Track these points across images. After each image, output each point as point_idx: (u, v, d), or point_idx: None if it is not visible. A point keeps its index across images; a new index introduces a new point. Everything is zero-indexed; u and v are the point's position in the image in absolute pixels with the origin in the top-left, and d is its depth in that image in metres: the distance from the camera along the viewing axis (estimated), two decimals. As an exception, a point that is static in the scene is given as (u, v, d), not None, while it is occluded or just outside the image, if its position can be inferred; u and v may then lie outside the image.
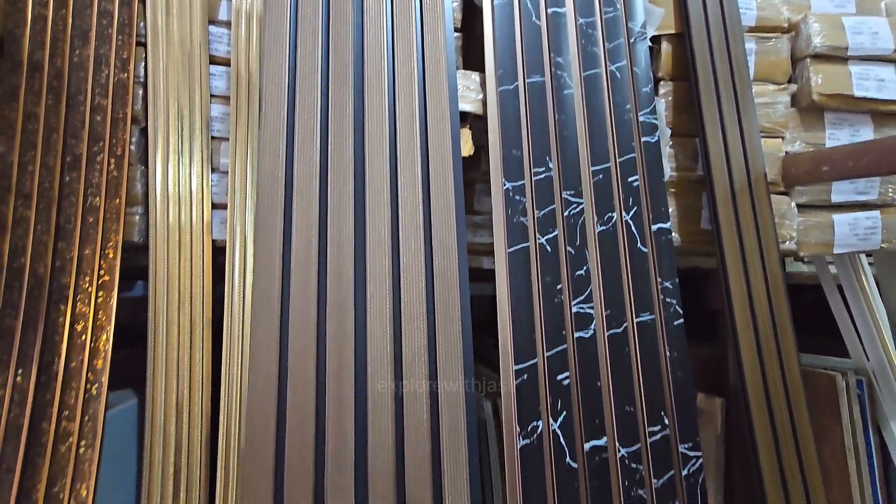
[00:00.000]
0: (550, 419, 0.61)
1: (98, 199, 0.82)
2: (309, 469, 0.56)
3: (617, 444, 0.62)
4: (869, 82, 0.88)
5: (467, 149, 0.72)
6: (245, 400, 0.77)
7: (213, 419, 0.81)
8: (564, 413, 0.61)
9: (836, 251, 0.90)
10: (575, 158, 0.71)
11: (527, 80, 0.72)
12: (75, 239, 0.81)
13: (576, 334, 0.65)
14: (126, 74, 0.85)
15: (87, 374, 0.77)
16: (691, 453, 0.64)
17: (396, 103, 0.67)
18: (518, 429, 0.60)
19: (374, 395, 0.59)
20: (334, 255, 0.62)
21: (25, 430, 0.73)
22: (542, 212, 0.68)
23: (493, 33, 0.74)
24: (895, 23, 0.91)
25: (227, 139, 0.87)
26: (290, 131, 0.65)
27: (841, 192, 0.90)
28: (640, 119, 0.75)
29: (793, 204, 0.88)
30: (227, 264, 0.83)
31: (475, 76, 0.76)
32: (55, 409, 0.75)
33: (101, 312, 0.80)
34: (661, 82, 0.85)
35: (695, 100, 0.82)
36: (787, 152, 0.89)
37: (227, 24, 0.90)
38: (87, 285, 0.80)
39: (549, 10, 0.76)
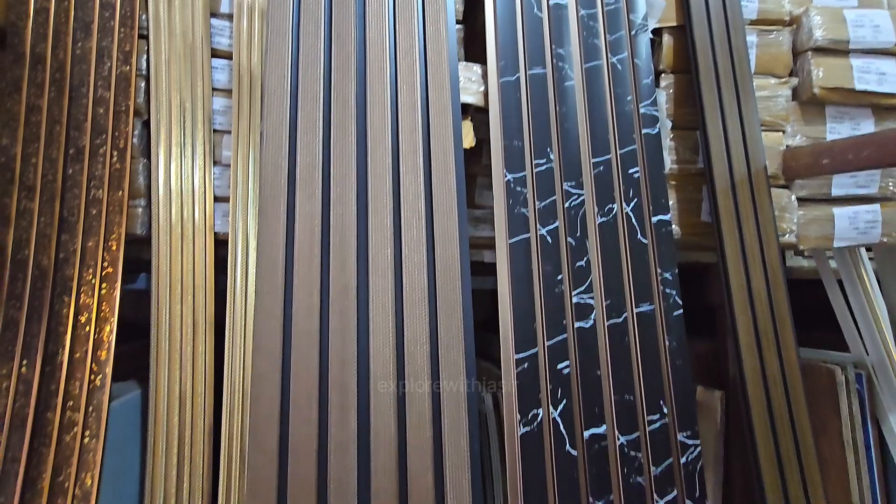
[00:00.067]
0: (550, 407, 0.61)
1: (101, 191, 0.82)
2: (313, 448, 0.56)
3: (616, 432, 0.63)
4: (870, 76, 0.88)
5: (469, 140, 0.73)
6: (248, 390, 0.78)
7: (216, 410, 0.82)
8: (564, 401, 0.62)
9: (835, 245, 0.90)
10: (576, 150, 0.72)
11: (528, 72, 0.72)
12: (78, 231, 0.81)
13: (576, 324, 0.65)
14: (128, 67, 0.85)
15: (91, 365, 0.78)
16: (690, 441, 0.64)
17: (398, 94, 0.68)
18: (518, 416, 0.60)
19: (376, 381, 0.60)
20: (337, 243, 0.62)
21: (30, 420, 0.74)
22: (543, 203, 0.69)
23: (495, 25, 0.74)
24: (897, 16, 0.90)
25: (229, 132, 0.88)
26: (292, 122, 0.66)
27: (841, 185, 0.90)
28: (641, 111, 0.75)
29: (793, 197, 0.88)
30: (229, 257, 0.83)
31: (477, 68, 0.76)
32: (60, 400, 0.76)
33: (104, 304, 0.80)
34: (662, 75, 0.85)
35: (696, 92, 0.82)
36: (787, 146, 0.89)
37: (229, 17, 0.90)
38: (91, 277, 0.81)
39: (551, 2, 0.76)
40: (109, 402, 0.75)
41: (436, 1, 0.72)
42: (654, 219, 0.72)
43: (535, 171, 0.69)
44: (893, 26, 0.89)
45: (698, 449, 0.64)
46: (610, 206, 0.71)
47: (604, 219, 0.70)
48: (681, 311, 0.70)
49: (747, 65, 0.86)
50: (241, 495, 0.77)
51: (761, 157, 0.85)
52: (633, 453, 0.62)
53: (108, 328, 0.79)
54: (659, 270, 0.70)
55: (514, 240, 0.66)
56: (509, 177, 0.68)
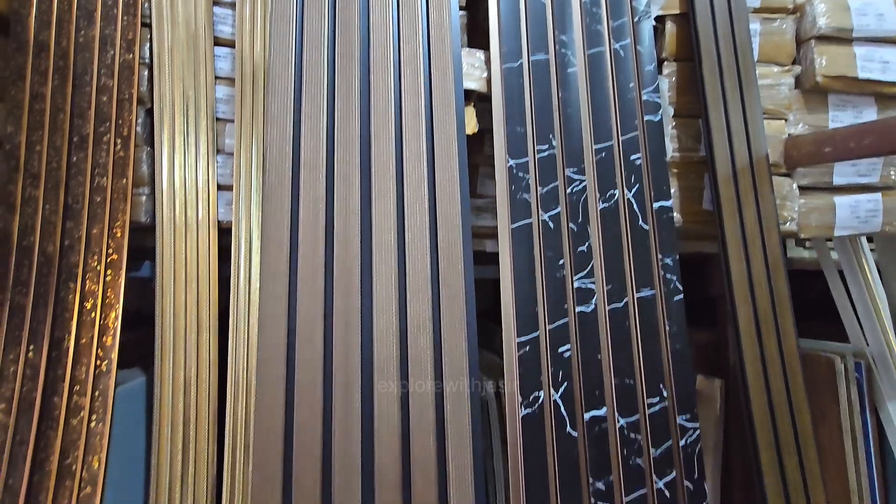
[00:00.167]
0: (552, 390, 0.62)
1: (105, 179, 0.83)
2: (317, 429, 0.57)
3: (616, 414, 0.63)
4: (873, 64, 0.88)
5: (472, 126, 0.73)
6: (251, 376, 0.79)
7: (219, 396, 0.83)
8: (565, 384, 0.63)
9: (836, 233, 0.90)
10: (578, 136, 0.72)
11: (531, 58, 0.73)
12: (83, 218, 0.82)
13: (577, 308, 0.66)
14: (131, 55, 0.86)
15: (97, 350, 0.79)
16: (689, 424, 0.65)
17: (402, 80, 0.68)
18: (520, 399, 0.61)
19: (380, 363, 0.60)
20: (341, 227, 0.63)
21: (38, 403, 0.75)
22: (545, 188, 0.69)
23: (498, 11, 0.74)
24: (901, 4, 0.90)
25: (232, 121, 0.88)
26: (297, 107, 0.66)
27: (842, 174, 0.90)
28: (644, 97, 0.75)
29: (794, 186, 0.88)
30: (232, 245, 0.84)
31: (480, 54, 0.76)
32: (66, 384, 0.77)
33: (109, 290, 0.81)
34: (665, 63, 0.85)
35: (698, 80, 0.82)
36: (789, 134, 0.89)
37: (232, 6, 0.90)
38: (96, 264, 0.81)
39: (554, -11, 0.76)
40: (115, 387, 0.76)
41: (439, -13, 0.72)
42: (656, 205, 0.72)
43: (537, 156, 0.69)
44: (897, 14, 0.89)
45: (697, 432, 0.65)
46: (611, 191, 0.71)
47: (605, 204, 0.70)
48: (681, 296, 0.70)
49: (750, 53, 0.86)
50: (245, 479, 0.78)
51: (763, 145, 0.85)
52: (632, 435, 0.63)
53: (113, 314, 0.80)
54: (660, 256, 0.70)
55: (516, 225, 0.67)
56: (511, 162, 0.69)
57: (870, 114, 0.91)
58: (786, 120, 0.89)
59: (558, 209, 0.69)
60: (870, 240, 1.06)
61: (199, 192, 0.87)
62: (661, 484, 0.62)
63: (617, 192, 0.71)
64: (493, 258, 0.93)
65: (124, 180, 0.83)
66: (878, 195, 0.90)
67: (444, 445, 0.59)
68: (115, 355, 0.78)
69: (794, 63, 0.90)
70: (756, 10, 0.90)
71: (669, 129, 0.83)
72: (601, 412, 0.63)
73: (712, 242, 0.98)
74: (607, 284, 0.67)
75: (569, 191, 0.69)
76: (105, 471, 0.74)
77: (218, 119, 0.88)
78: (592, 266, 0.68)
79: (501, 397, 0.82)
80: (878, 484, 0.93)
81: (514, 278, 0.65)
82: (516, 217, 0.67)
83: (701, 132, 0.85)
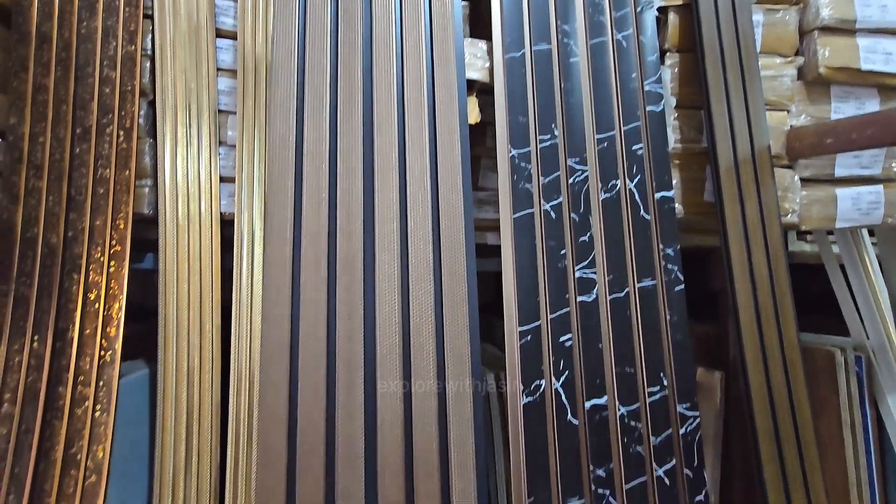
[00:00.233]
0: (553, 378, 0.62)
1: (108, 170, 0.83)
2: (321, 415, 0.58)
3: (617, 402, 0.64)
4: (877, 55, 0.88)
5: (474, 116, 0.73)
6: (254, 366, 0.79)
7: (223, 386, 0.83)
8: (566, 373, 0.63)
9: (837, 225, 0.90)
10: (580, 126, 0.72)
11: (533, 48, 0.73)
12: (86, 210, 0.82)
13: (578, 298, 0.66)
14: (133, 47, 0.86)
15: (101, 341, 0.79)
16: (689, 413, 0.66)
17: (404, 70, 0.68)
18: (521, 387, 0.61)
19: (383, 352, 0.61)
20: (344, 217, 0.63)
21: (43, 393, 0.76)
22: (548, 178, 0.69)
23: (501, 1, 0.74)
24: (905, -5, 0.90)
25: (234, 113, 0.88)
26: (300, 96, 0.66)
27: (845, 166, 0.90)
28: (646, 88, 0.75)
29: (796, 177, 0.88)
30: (235, 236, 0.84)
31: (482, 44, 0.76)
32: (71, 375, 0.77)
33: (113, 282, 0.81)
34: (668, 54, 0.85)
35: (700, 71, 0.82)
36: (791, 126, 0.89)
37: (234, -3, 0.89)
38: (100, 255, 0.82)
39: (556, -21, 0.76)
40: (119, 378, 0.77)
41: (441, -23, 0.71)
42: (658, 195, 0.72)
43: (539, 146, 0.69)
44: (901, 6, 0.89)
45: (697, 420, 0.65)
46: (613, 182, 0.71)
47: (607, 195, 0.71)
48: (682, 286, 0.70)
49: (753, 44, 0.86)
50: (249, 468, 0.78)
51: (765, 136, 0.85)
52: (633, 423, 0.63)
53: (117, 305, 0.81)
54: (661, 246, 0.70)
55: (517, 215, 0.67)
56: (514, 152, 0.69)
57: (872, 105, 0.91)
58: (788, 111, 0.89)
59: (560, 199, 0.69)
60: (871, 233, 1.06)
61: (201, 184, 0.87)
62: (660, 471, 0.63)
63: (619, 182, 0.71)
64: (495, 251, 0.93)
65: (127, 172, 0.83)
66: (880, 187, 0.90)
67: (446, 435, 0.59)
68: (118, 346, 0.79)
69: (796, 54, 0.90)
70: (759, 1, 0.89)
71: (671, 121, 0.83)
72: (602, 400, 0.63)
73: (714, 236, 0.98)
74: (609, 274, 0.68)
75: (571, 181, 0.69)
76: (109, 461, 0.74)
77: (220, 111, 0.89)
78: (594, 256, 0.68)
79: (502, 386, 0.82)
80: (876, 476, 0.94)
81: (516, 268, 0.65)
82: (518, 207, 0.67)
83: (703, 123, 0.85)
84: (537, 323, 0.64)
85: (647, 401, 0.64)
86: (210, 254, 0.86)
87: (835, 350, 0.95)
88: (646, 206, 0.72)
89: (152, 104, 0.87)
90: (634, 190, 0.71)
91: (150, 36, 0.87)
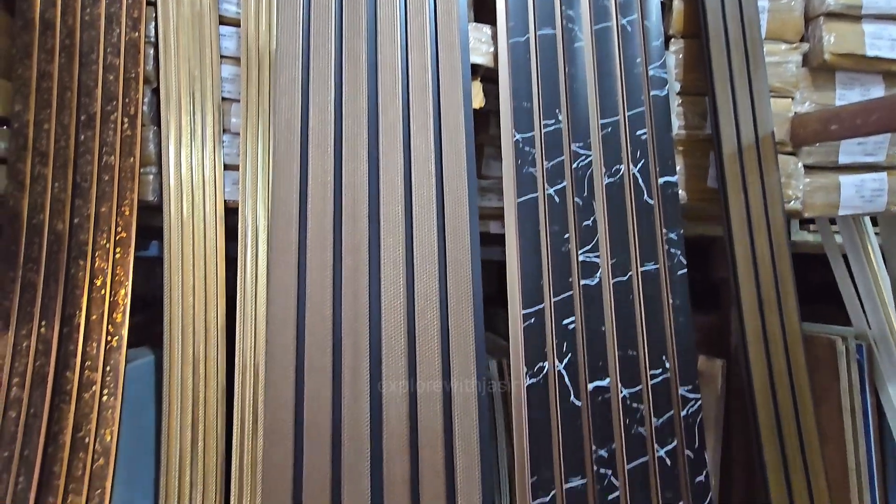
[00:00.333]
0: (556, 360, 0.63)
1: (113, 157, 0.84)
2: (327, 397, 0.58)
3: (619, 385, 0.64)
4: (882, 42, 0.87)
5: (478, 100, 0.73)
6: (259, 352, 0.80)
7: (228, 372, 0.84)
8: (570, 355, 0.64)
9: (840, 213, 0.90)
10: (584, 111, 0.72)
11: (538, 33, 0.72)
12: (92, 196, 0.83)
13: (582, 281, 0.67)
14: (137, 34, 0.86)
15: (107, 326, 0.80)
16: (690, 395, 0.66)
17: (409, 54, 0.68)
18: (525, 369, 0.62)
19: (388, 333, 0.61)
20: (349, 200, 0.63)
21: (51, 378, 0.76)
22: (552, 163, 0.69)
23: (504, -14, 0.74)
24: (912, -19, 0.89)
25: (238, 100, 0.88)
26: (304, 82, 0.66)
27: (849, 153, 0.90)
28: (650, 73, 0.75)
29: (800, 164, 0.88)
30: (239, 223, 0.85)
31: (486, 29, 0.76)
32: (78, 360, 0.78)
33: (119, 268, 0.82)
34: (672, 40, 0.85)
35: (705, 57, 0.82)
36: (795, 113, 0.89)
37: (236, -17, 0.89)
38: (105, 242, 0.82)
39: (560, -37, 0.76)
40: (125, 364, 0.77)
41: (445, -39, 0.71)
42: (661, 180, 0.73)
43: (543, 131, 0.69)
44: (908, -9, 0.88)
45: (698, 402, 0.66)
46: (617, 166, 0.71)
47: (611, 179, 0.71)
48: (685, 270, 0.71)
49: (758, 30, 0.85)
50: (254, 453, 0.79)
51: (769, 123, 0.84)
52: (635, 405, 0.64)
53: (122, 291, 0.81)
54: (664, 230, 0.70)
55: (522, 199, 0.67)
56: (518, 137, 0.69)
57: (877, 92, 0.91)
58: (792, 98, 0.89)
59: (564, 183, 0.69)
60: (874, 223, 1.06)
61: (205, 171, 0.87)
62: (662, 452, 0.63)
63: (622, 166, 0.71)
64: (497, 240, 0.93)
65: (132, 159, 0.83)
66: (884, 174, 0.90)
67: (451, 424, 0.60)
68: (125, 331, 0.80)
69: (801, 40, 0.89)
70: (764, -13, 0.89)
71: (675, 107, 0.82)
72: (604, 382, 0.64)
73: (717, 225, 0.98)
74: (612, 258, 0.68)
75: (575, 165, 0.70)
76: (117, 444, 0.75)
77: (224, 98, 0.89)
78: (597, 240, 0.68)
79: (504, 375, 0.83)
80: (876, 464, 0.94)
81: (520, 251, 0.65)
82: (522, 191, 0.67)
83: (707, 110, 0.84)
84: (541, 306, 0.65)
85: (650, 383, 0.65)
86: (215, 240, 0.86)
87: (836, 338, 0.95)
88: (649, 190, 0.72)
89: (156, 92, 0.87)
90: (638, 174, 0.71)
91: (153, 23, 0.87)
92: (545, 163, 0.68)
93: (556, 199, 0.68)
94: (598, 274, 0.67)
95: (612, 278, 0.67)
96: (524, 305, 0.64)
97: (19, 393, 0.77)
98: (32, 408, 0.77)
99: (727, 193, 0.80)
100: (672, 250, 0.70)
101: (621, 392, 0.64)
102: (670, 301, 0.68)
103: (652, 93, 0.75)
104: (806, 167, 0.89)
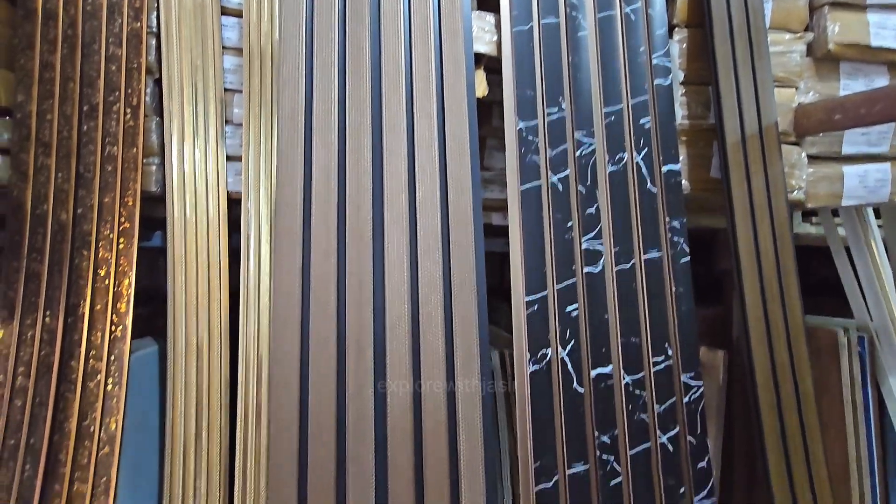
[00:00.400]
0: (559, 347, 0.63)
1: (116, 148, 0.84)
2: (332, 381, 0.59)
3: (622, 372, 0.65)
4: (887, 31, 0.87)
5: (481, 89, 0.73)
6: (262, 341, 0.81)
7: (231, 362, 0.84)
8: (572, 342, 0.64)
9: (844, 203, 0.90)
10: (588, 99, 0.72)
11: (541, 21, 0.72)
12: (95, 187, 0.83)
13: (585, 269, 0.67)
14: (139, 24, 0.85)
15: (111, 316, 0.80)
16: (693, 382, 0.66)
17: (412, 43, 0.68)
18: (528, 355, 0.62)
19: (392, 320, 0.62)
20: (353, 187, 0.64)
21: (56, 367, 0.77)
22: (555, 151, 0.69)
23: (508, -26, 0.73)
24: (917, -30, 0.88)
25: (240, 91, 0.88)
26: (308, 69, 0.66)
27: (852, 143, 0.89)
28: (654, 61, 0.75)
29: (803, 154, 0.88)
30: (242, 214, 0.85)
31: (490, 17, 0.76)
32: (83, 349, 0.79)
33: (122, 258, 0.82)
34: (676, 29, 0.84)
35: (709, 47, 0.82)
36: (799, 103, 0.88)
37: (238, -27, 0.89)
38: (109, 232, 0.82)
39: (564, -48, 0.75)
40: (130, 354, 0.78)
41: (448, -51, 0.71)
42: (664, 168, 0.72)
43: (547, 119, 0.69)
44: (913, -19, 0.87)
45: (701, 389, 0.66)
46: (620, 155, 0.71)
47: (614, 167, 0.71)
48: (688, 258, 0.71)
49: (762, 19, 0.85)
50: (258, 442, 0.80)
51: (773, 113, 0.84)
52: (637, 392, 0.64)
53: (126, 281, 0.82)
54: (667, 218, 0.71)
55: (525, 187, 0.67)
56: (521, 125, 0.69)
57: (882, 83, 0.90)
58: (796, 88, 0.89)
59: (567, 171, 0.69)
60: (877, 215, 1.05)
61: (208, 162, 0.87)
62: (664, 438, 0.64)
63: (626, 155, 0.71)
64: (499, 231, 0.93)
65: (135, 150, 0.84)
66: (888, 165, 0.90)
67: (454, 406, 0.60)
68: (129, 321, 0.80)
69: (806, 30, 0.89)
70: (769, -24, 0.88)
71: (679, 96, 0.82)
72: (607, 370, 0.64)
73: (719, 217, 0.98)
74: (615, 246, 0.68)
75: (578, 153, 0.69)
76: (122, 433, 0.76)
77: (226, 89, 0.88)
78: (600, 228, 0.68)
79: (506, 366, 0.83)
80: (876, 454, 0.95)
81: (523, 239, 0.66)
82: (526, 179, 0.67)
83: (710, 99, 0.84)
84: (544, 293, 0.65)
85: (652, 370, 0.65)
86: (217, 230, 0.86)
87: (837, 330, 0.95)
88: (652, 178, 0.72)
89: (158, 82, 0.87)
90: (641, 163, 0.71)
91: (155, 13, 0.86)
92: (548, 151, 0.68)
93: (560, 187, 0.68)
94: (601, 262, 0.68)
95: (616, 266, 0.67)
96: (527, 293, 0.64)
97: (25, 382, 0.77)
98: (38, 396, 0.77)
99: (730, 183, 0.80)
100: (675, 238, 0.70)
101: (624, 379, 0.64)
102: (673, 289, 0.69)
103: (655, 81, 0.75)
104: (809, 157, 0.89)
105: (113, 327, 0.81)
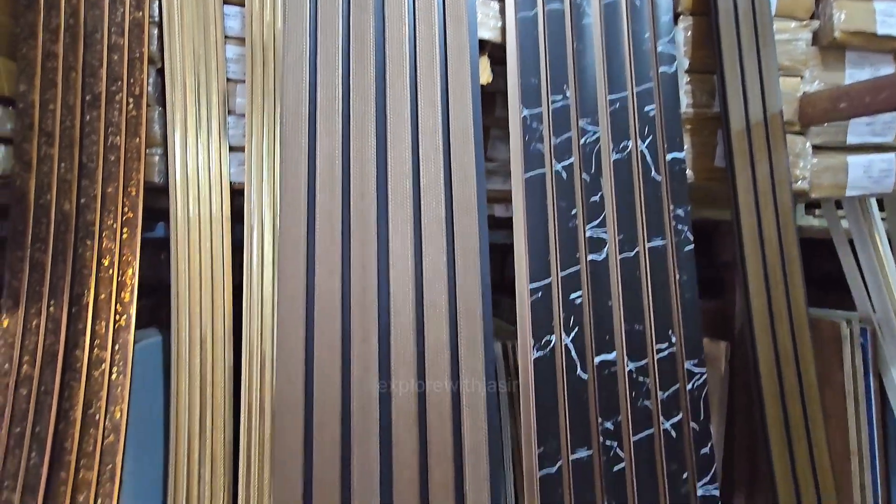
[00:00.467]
0: (563, 334, 0.63)
1: (118, 138, 0.84)
2: (336, 367, 0.59)
3: (626, 358, 0.65)
4: (893, 19, 0.86)
5: (486, 76, 0.73)
6: (266, 331, 0.81)
7: (235, 352, 0.85)
8: (576, 329, 0.64)
9: (848, 193, 0.90)
10: (592, 87, 0.72)
11: (546, 8, 0.72)
12: (98, 177, 0.83)
13: (589, 257, 0.67)
14: (141, 13, 0.85)
15: (115, 305, 0.81)
16: (696, 369, 0.67)
17: (416, 29, 0.68)
18: (532, 342, 0.62)
19: (396, 308, 0.62)
20: (357, 174, 0.63)
21: (61, 356, 0.77)
22: (559, 139, 0.69)
23: (512, -40, 0.73)
24: (924, -42, 0.88)
25: (242, 81, 0.88)
26: (311, 57, 0.66)
27: (857, 133, 0.89)
28: (659, 49, 0.75)
29: (808, 144, 0.88)
30: (245, 205, 0.85)
31: (494, 3, 0.75)
32: (87, 338, 0.79)
33: (126, 248, 0.82)
34: (681, 16, 0.84)
35: (714, 35, 0.81)
36: (804, 92, 0.88)
37: (240, -38, 0.88)
38: (112, 222, 0.83)
39: (568, -62, 0.75)
40: (134, 343, 0.78)
41: (452, -65, 0.70)
42: (669, 156, 0.72)
43: (551, 107, 0.69)
44: (920, -32, 0.87)
45: (704, 376, 0.66)
46: (625, 142, 0.71)
47: (618, 155, 0.70)
48: (692, 246, 0.71)
49: (767, 7, 0.84)
50: (262, 432, 0.80)
51: (778, 101, 0.84)
52: (641, 379, 0.64)
53: (130, 271, 0.82)
54: (672, 206, 0.70)
55: (529, 175, 0.67)
56: (525, 112, 0.69)
57: (887, 71, 0.90)
58: (801, 77, 0.88)
59: (572, 159, 0.69)
60: (881, 208, 1.05)
61: (211, 152, 0.87)
62: (667, 425, 0.64)
63: (630, 143, 0.71)
64: (502, 223, 0.93)
65: (137, 139, 0.83)
66: (892, 155, 0.89)
67: (457, 390, 0.61)
68: (133, 311, 0.80)
69: (812, 18, 0.88)
70: (774, -36, 0.87)
71: (684, 85, 0.82)
72: (611, 356, 0.64)
73: (721, 208, 0.98)
74: (619, 234, 0.68)
75: (582, 141, 0.69)
76: (127, 421, 0.76)
77: (228, 79, 0.88)
78: (605, 216, 0.68)
79: (509, 357, 0.83)
80: (878, 445, 0.95)
81: (528, 227, 0.66)
82: (530, 166, 0.67)
83: (715, 88, 0.84)
84: (548, 280, 0.65)
85: (656, 357, 0.65)
86: (221, 222, 0.87)
87: (840, 322, 0.96)
88: (657, 166, 0.72)
89: (160, 72, 0.86)
90: (646, 151, 0.71)
91: (157, 2, 0.86)
92: (553, 139, 0.68)
93: (564, 175, 0.68)
94: (605, 249, 0.67)
95: (620, 254, 0.67)
96: (532, 280, 0.64)
97: (30, 371, 0.78)
98: (43, 385, 0.78)
99: (735, 172, 0.79)
100: (679, 226, 0.70)
101: (627, 366, 0.64)
102: (677, 277, 0.69)
103: (660, 69, 0.74)
104: (814, 147, 0.88)
105: (117, 317, 0.81)
